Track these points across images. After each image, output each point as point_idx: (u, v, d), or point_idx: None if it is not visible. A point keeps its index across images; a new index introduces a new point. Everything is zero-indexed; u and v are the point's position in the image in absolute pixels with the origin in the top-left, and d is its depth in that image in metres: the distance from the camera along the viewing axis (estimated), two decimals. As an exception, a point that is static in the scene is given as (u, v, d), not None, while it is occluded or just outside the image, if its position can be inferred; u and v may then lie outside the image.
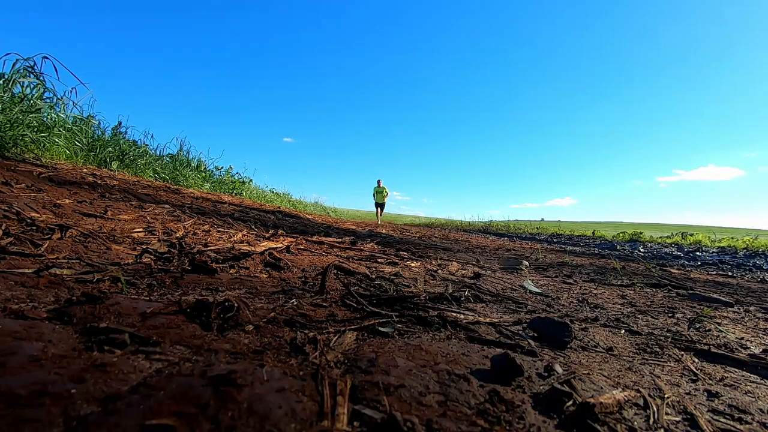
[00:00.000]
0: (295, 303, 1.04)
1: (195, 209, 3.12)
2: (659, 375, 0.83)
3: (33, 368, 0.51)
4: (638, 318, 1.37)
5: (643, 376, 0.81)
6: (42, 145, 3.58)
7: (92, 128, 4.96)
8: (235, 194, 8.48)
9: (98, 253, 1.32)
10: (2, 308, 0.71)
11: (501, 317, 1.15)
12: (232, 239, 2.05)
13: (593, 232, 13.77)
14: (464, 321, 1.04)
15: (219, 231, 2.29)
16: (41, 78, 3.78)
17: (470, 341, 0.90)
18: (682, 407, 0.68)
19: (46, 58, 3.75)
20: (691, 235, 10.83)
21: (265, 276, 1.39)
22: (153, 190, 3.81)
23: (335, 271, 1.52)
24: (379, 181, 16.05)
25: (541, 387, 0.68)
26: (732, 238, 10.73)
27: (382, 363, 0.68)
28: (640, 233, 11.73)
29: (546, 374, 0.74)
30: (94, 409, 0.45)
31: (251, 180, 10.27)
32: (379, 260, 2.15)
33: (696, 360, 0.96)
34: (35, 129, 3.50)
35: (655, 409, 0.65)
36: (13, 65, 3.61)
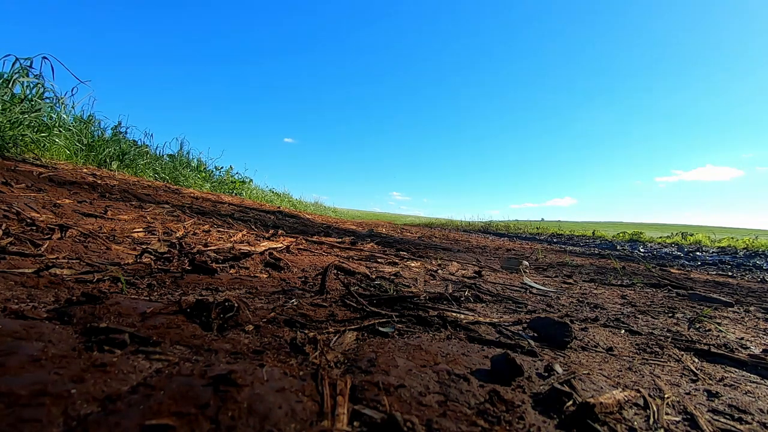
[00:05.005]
0: (295, 303, 1.04)
1: (195, 209, 3.12)
2: (659, 375, 0.83)
3: (33, 368, 0.51)
4: (638, 318, 1.37)
5: (643, 376, 0.81)
6: (42, 145, 3.58)
7: (92, 128, 4.96)
8: (235, 194, 8.48)
9: (98, 253, 1.32)
10: (2, 308, 0.71)
11: (501, 317, 1.15)
12: (232, 239, 2.05)
13: (593, 232, 13.77)
14: (464, 321, 1.04)
15: (219, 231, 2.29)
16: (40, 78, 3.78)
17: (470, 341, 0.90)
18: (682, 407, 0.68)
19: (45, 58, 3.76)
20: (691, 235, 10.82)
21: (265, 276, 1.39)
22: (153, 190, 3.81)
23: (335, 271, 1.52)
24: None
25: (541, 387, 0.68)
26: (732, 238, 10.72)
27: (382, 363, 0.68)
28: (640, 233, 11.73)
29: (546, 374, 0.74)
30: (94, 409, 0.45)
31: (251, 180, 10.27)
32: (379, 260, 2.15)
33: (696, 360, 0.96)
34: (35, 129, 3.50)
35: (655, 409, 0.65)
36: (13, 65, 3.61)
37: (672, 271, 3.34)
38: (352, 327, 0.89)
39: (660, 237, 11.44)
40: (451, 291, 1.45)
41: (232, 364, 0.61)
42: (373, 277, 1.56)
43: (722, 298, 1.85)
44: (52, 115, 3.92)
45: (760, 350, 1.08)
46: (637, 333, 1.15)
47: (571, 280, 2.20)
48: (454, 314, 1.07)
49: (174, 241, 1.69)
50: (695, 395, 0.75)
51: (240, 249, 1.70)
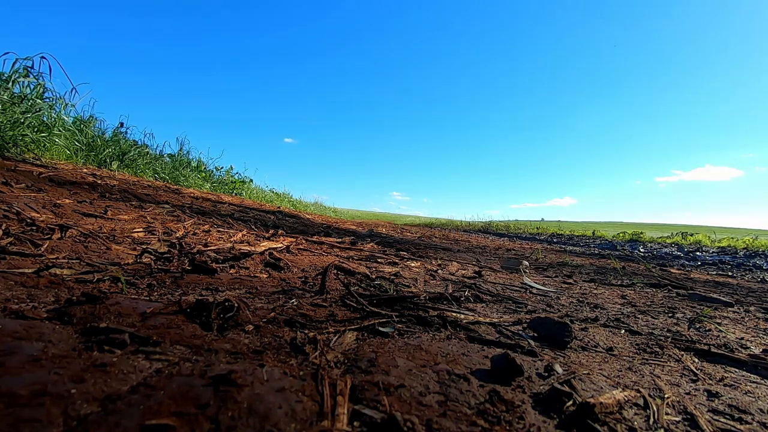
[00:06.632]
0: (295, 303, 1.04)
1: (195, 209, 3.12)
2: (659, 375, 0.83)
3: (33, 368, 0.51)
4: (638, 318, 1.37)
5: (643, 376, 0.81)
6: (42, 145, 3.58)
7: (92, 128, 4.96)
8: (235, 194, 8.48)
9: (98, 253, 1.32)
10: (2, 308, 0.71)
11: (501, 317, 1.15)
12: (232, 239, 2.05)
13: (593, 232, 13.77)
14: (464, 321, 1.04)
15: (219, 231, 2.29)
16: (40, 78, 3.78)
17: (470, 341, 0.90)
18: (682, 407, 0.68)
19: (44, 58, 3.76)
20: (691, 235, 10.83)
21: (265, 276, 1.39)
22: (153, 190, 3.81)
23: (335, 271, 1.52)
24: None
25: (541, 387, 0.68)
26: (732, 238, 10.73)
27: (382, 363, 0.68)
28: (640, 233, 11.73)
29: (546, 374, 0.74)
30: (94, 409, 0.45)
31: (251, 180, 10.27)
32: (379, 260, 2.15)
33: (696, 360, 0.96)
34: (35, 129, 3.50)
35: (655, 409, 0.65)
36: (13, 65, 3.62)
37: (672, 271, 3.34)
38: (352, 327, 0.89)
39: (660, 237, 11.45)
40: (451, 291, 1.45)
41: (232, 364, 0.61)
42: (373, 277, 1.56)
43: (722, 298, 1.85)
44: (52, 115, 3.91)
45: (760, 350, 1.08)
46: (637, 333, 1.15)
47: (571, 280, 2.20)
48: (454, 314, 1.07)
49: (174, 241, 1.69)
50: (695, 395, 0.75)
51: (240, 249, 1.70)
